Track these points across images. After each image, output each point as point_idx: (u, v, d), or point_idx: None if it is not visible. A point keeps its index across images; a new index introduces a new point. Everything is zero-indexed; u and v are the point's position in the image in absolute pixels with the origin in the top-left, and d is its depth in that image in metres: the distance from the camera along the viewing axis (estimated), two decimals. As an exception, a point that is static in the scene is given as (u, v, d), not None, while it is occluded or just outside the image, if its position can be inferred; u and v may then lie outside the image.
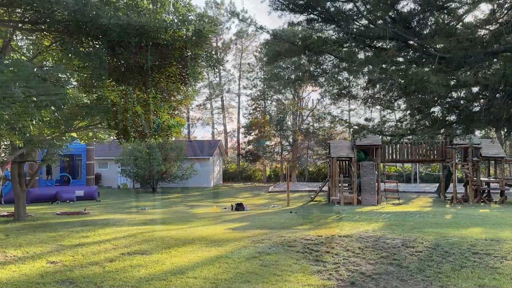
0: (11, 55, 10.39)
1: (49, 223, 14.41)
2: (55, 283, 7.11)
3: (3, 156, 14.49)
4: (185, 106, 12.35)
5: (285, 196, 24.43)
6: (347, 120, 35.17)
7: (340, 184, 22.95)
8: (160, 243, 10.02)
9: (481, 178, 24.09)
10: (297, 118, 50.53)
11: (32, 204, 22.70)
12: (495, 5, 8.74)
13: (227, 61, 53.58)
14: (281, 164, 49.34)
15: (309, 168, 48.97)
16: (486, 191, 23.73)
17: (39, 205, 22.01)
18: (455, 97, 8.80)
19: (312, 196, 26.08)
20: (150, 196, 30.22)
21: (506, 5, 8.65)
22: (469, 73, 8.29)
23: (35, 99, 6.21)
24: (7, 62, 6.47)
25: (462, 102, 8.66)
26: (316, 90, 46.55)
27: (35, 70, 6.38)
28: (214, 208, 21.03)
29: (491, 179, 24.61)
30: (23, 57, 10.68)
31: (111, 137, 17.23)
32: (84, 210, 18.67)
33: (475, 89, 9.04)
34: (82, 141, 16.43)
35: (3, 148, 15.00)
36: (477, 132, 14.09)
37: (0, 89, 5.61)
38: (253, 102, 50.85)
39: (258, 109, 50.21)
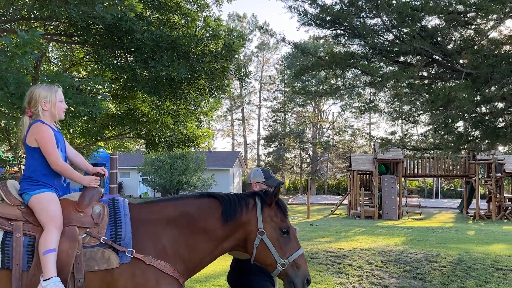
0: (44, 66, 10.79)
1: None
2: None
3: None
4: (210, 117, 12.59)
5: (305, 209, 24.45)
6: (369, 133, 35.07)
7: (361, 198, 22.89)
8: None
9: (505, 195, 23.76)
10: (317, 131, 50.56)
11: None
12: (521, 22, 8.79)
13: (254, 74, 54.10)
14: (300, 176, 49.31)
15: (329, 181, 48.84)
16: (510, 207, 23.38)
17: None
18: (480, 112, 8.83)
19: (332, 209, 26.04)
20: (171, 205, 30.45)
21: (532, 22, 8.70)
22: (494, 88, 8.33)
23: (73, 109, 6.49)
24: (45, 73, 6.79)
25: (487, 117, 8.69)
26: (337, 103, 46.63)
27: (73, 81, 6.67)
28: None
29: (515, 196, 24.27)
30: (55, 67, 11.05)
31: (136, 147, 17.57)
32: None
33: (500, 105, 9.06)
34: (109, 150, 16.78)
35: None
36: (501, 148, 14.01)
37: (42, 99, 5.89)
38: (273, 114, 51.11)
39: (278, 121, 50.43)
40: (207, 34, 8.35)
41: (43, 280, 2.73)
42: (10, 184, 3.11)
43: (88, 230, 2.97)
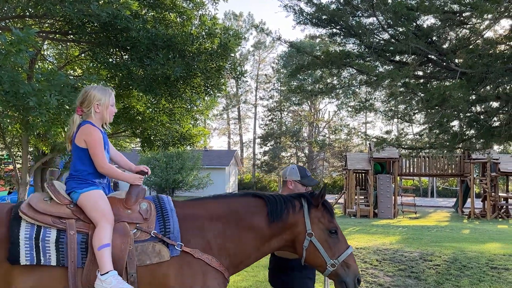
0: (39, 64, 10.74)
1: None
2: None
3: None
4: (206, 116, 12.58)
5: (301, 207, 24.42)
6: (365, 132, 35.13)
7: (356, 197, 22.94)
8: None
9: (499, 194, 23.86)
10: (313, 130, 50.62)
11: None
12: (516, 21, 8.83)
13: (250, 73, 54.06)
14: (296, 175, 49.28)
15: (325, 180, 48.91)
16: (504, 206, 23.49)
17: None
18: (475, 111, 8.86)
19: (328, 208, 26.05)
20: (167, 204, 30.42)
21: (527, 22, 8.74)
22: (489, 88, 8.36)
23: (67, 107, 6.47)
24: (40, 71, 6.77)
25: (482, 116, 8.72)
26: (333, 102, 46.69)
27: (67, 79, 6.65)
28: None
29: (510, 195, 24.35)
30: (50, 66, 11.02)
31: (132, 145, 17.54)
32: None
33: (495, 104, 9.10)
34: (104, 149, 16.78)
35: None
36: (496, 147, 14.07)
37: (36, 97, 5.87)
38: (270, 113, 51.12)
39: (274, 120, 50.46)
40: (203, 33, 8.35)
41: (101, 275, 2.79)
42: (57, 184, 3.16)
43: (138, 225, 3.05)
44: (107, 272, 2.79)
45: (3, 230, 2.86)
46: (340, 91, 10.12)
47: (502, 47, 8.63)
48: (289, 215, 3.25)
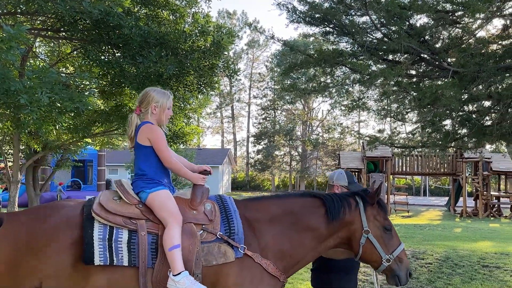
0: (31, 61, 10.67)
1: (62, 227, 14.59)
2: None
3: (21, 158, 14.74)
4: (199, 114, 12.54)
5: (294, 206, 24.45)
6: (358, 131, 35.24)
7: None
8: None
9: (491, 193, 24.01)
10: (307, 128, 50.67)
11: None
12: (508, 21, 8.88)
13: (244, 71, 54.04)
14: (290, 174, 49.41)
15: (318, 178, 48.98)
16: (496, 205, 23.64)
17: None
18: (468, 110, 8.90)
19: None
20: (160, 203, 30.34)
21: (519, 21, 8.78)
22: (481, 87, 8.40)
23: (59, 104, 6.42)
24: (31, 68, 6.72)
25: (474, 115, 8.76)
26: (326, 101, 46.76)
27: (59, 76, 6.61)
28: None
29: (501, 194, 24.51)
30: (41, 63, 10.94)
31: (124, 143, 17.46)
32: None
33: (487, 103, 9.14)
34: (97, 147, 16.66)
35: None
36: (488, 146, 14.13)
37: (27, 94, 5.83)
38: (263, 112, 51.12)
39: (268, 118, 50.46)
40: (196, 31, 8.32)
41: (173, 275, 2.84)
42: (125, 183, 3.20)
43: (204, 226, 3.09)
44: (180, 273, 2.84)
45: (78, 231, 2.91)
46: (334, 90, 10.15)
47: (494, 46, 8.67)
48: (345, 214, 3.34)
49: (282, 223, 3.26)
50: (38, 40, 10.85)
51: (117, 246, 2.89)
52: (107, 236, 2.90)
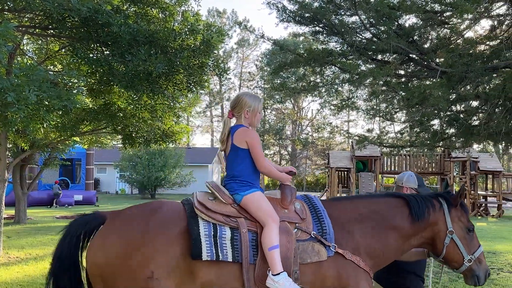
0: (19, 59, 10.55)
1: (50, 226, 14.50)
2: (59, 284, 7.22)
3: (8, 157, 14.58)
4: (188, 113, 12.50)
5: (284, 205, 24.47)
6: (348, 131, 35.39)
7: (338, 194, 23.09)
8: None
9: (479, 192, 24.23)
10: (296, 128, 50.78)
11: (31, 207, 22.74)
12: (495, 22, 8.97)
13: (233, 70, 53.96)
14: (279, 173, 49.44)
15: (307, 177, 49.14)
16: (484, 204, 23.86)
17: (38, 209, 22.05)
18: (455, 110, 8.97)
19: (310, 206, 26.14)
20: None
21: (506, 22, 8.88)
22: (469, 87, 8.48)
23: (46, 102, 6.36)
24: (18, 66, 6.63)
25: (462, 115, 8.84)
26: (316, 100, 46.89)
27: (47, 74, 6.53)
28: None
29: (489, 193, 24.75)
30: (29, 61, 10.83)
31: (113, 142, 17.35)
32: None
33: (475, 103, 9.23)
34: (85, 146, 16.54)
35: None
36: (475, 146, 14.26)
37: (14, 92, 5.76)
38: (253, 111, 51.14)
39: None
40: (186, 29, 8.26)
41: (273, 275, 2.92)
42: (218, 184, 3.30)
43: (297, 225, 3.19)
44: (279, 273, 2.91)
45: (185, 225, 3.03)
46: (323, 89, 10.17)
47: (482, 47, 8.76)
48: (430, 214, 3.44)
49: (369, 222, 3.36)
50: (25, 37, 10.73)
51: (222, 243, 3.00)
52: (212, 233, 3.01)
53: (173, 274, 2.90)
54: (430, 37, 9.31)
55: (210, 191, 3.24)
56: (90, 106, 10.82)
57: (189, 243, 2.95)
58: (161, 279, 2.86)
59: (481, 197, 23.81)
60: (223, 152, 3.49)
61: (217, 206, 3.13)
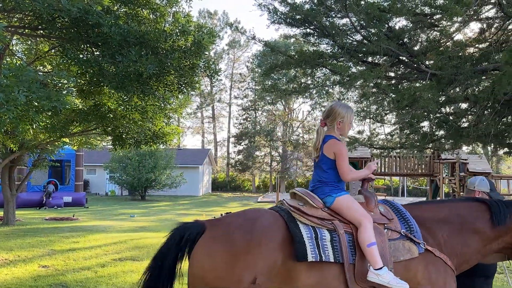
0: (8, 59, 10.46)
1: (38, 228, 14.38)
2: (48, 287, 7.17)
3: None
4: (179, 114, 12.47)
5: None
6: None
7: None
8: (151, 250, 10.07)
9: (468, 193, 24.32)
10: (287, 129, 50.84)
11: (20, 208, 22.53)
12: (485, 25, 9.06)
13: (224, 71, 53.88)
14: (270, 174, 49.51)
15: (298, 179, 49.20)
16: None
17: (27, 210, 21.85)
18: (445, 112, 9.04)
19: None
20: (139, 203, 30.13)
21: (495, 25, 8.97)
22: (458, 89, 8.55)
23: (36, 103, 6.31)
24: (7, 66, 6.57)
25: (451, 117, 8.91)
26: (307, 102, 46.98)
27: (36, 75, 6.49)
28: (204, 217, 21.07)
29: (477, 194, 24.83)
30: (18, 61, 10.75)
31: (103, 143, 17.26)
32: (73, 216, 18.61)
33: (464, 105, 9.31)
34: (75, 147, 16.42)
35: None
36: (465, 148, 14.37)
37: (3, 93, 5.71)
38: (244, 112, 51.10)
39: (248, 119, 50.46)
40: (177, 30, 8.25)
41: (375, 269, 3.04)
42: (307, 190, 3.46)
43: (386, 225, 3.33)
44: (381, 268, 3.04)
45: (285, 231, 3.14)
46: (314, 91, 10.22)
47: (471, 49, 8.84)
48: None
49: (451, 224, 3.44)
50: (15, 38, 10.65)
51: (323, 244, 3.12)
52: (313, 235, 3.12)
53: (274, 279, 3.02)
54: (420, 40, 9.38)
55: (296, 198, 3.41)
56: (80, 107, 10.76)
57: (291, 248, 3.05)
58: (263, 285, 2.99)
59: (470, 198, 23.92)
60: (314, 160, 3.66)
61: (310, 210, 3.25)
